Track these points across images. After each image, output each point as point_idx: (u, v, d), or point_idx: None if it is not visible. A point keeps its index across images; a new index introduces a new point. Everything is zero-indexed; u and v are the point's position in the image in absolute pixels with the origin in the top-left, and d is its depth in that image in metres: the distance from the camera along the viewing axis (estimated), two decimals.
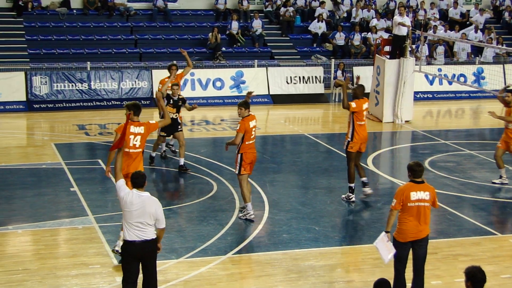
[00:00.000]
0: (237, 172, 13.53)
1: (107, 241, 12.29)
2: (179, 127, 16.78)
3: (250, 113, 13.38)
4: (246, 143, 13.33)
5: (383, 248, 9.71)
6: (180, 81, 18.08)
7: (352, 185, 14.71)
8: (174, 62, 18.30)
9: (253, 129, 13.40)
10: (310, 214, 14.13)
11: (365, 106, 14.76)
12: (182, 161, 16.81)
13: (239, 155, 13.41)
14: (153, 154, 17.33)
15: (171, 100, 16.59)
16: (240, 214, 13.80)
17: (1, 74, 24.69)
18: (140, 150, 11.79)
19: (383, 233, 9.75)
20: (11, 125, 22.40)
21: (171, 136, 17.34)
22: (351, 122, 14.64)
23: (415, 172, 9.66)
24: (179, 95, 16.79)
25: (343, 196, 14.87)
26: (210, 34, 29.14)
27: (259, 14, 30.96)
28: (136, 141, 11.66)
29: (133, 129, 11.63)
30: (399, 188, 9.86)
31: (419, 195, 9.60)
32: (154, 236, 9.21)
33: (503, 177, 16.17)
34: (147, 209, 9.11)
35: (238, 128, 13.25)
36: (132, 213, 9.09)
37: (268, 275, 11.20)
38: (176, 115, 16.63)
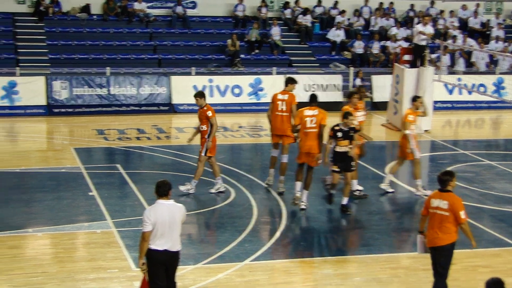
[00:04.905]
0: (203, 154, 15.43)
1: (125, 245, 12.32)
2: (352, 164, 14.64)
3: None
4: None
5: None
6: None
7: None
8: (354, 90, 16.24)
9: None
10: (328, 222, 14.12)
11: None
12: (345, 200, 14.77)
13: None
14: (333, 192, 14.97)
15: (340, 133, 14.38)
16: (182, 187, 15.41)
17: (22, 78, 24.85)
18: (315, 130, 14.38)
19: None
20: (32, 129, 22.55)
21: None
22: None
23: (438, 180, 9.98)
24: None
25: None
26: (229, 40, 29.19)
27: (278, 21, 31.02)
28: (312, 123, 14.43)
29: (307, 112, 14.51)
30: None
31: (437, 202, 9.86)
32: (180, 248, 9.26)
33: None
34: (174, 217, 9.09)
35: (210, 114, 15.25)
36: (163, 224, 9.05)
37: (285, 283, 11.18)
38: (349, 148, 14.49)
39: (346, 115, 14.33)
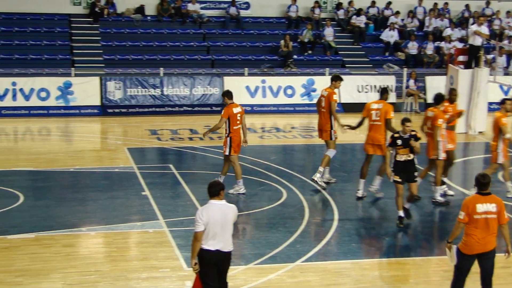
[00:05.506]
0: (227, 153, 15.26)
1: (177, 245, 12.40)
2: (416, 175, 13.79)
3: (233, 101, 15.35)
4: (234, 127, 15.15)
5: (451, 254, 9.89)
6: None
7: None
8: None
9: (237, 115, 15.23)
10: (380, 224, 14.02)
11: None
12: (401, 213, 13.73)
13: (228, 138, 15.19)
14: (401, 214, 13.74)
15: (399, 140, 13.54)
16: (232, 190, 15.30)
17: (77, 79, 25.26)
18: (380, 123, 15.10)
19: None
20: (86, 129, 22.88)
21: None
22: None
23: (480, 184, 9.55)
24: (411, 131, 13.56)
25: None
26: (282, 41, 29.21)
27: (331, 22, 30.91)
28: (377, 116, 15.10)
29: (373, 105, 15.22)
30: (464, 201, 9.68)
31: (484, 207, 9.47)
32: (232, 248, 9.27)
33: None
34: (226, 218, 9.08)
35: (222, 113, 15.21)
36: (215, 224, 9.07)
37: (336, 284, 11.13)
38: (409, 157, 13.54)
39: (403, 121, 13.48)
